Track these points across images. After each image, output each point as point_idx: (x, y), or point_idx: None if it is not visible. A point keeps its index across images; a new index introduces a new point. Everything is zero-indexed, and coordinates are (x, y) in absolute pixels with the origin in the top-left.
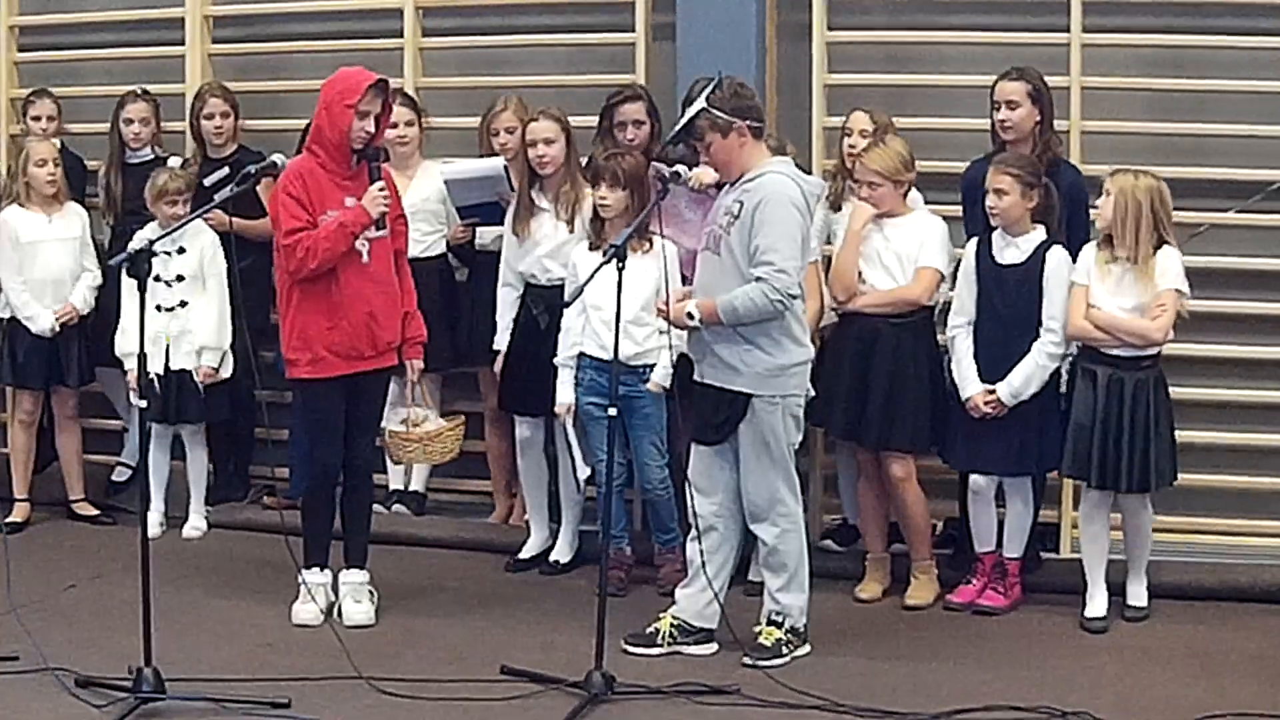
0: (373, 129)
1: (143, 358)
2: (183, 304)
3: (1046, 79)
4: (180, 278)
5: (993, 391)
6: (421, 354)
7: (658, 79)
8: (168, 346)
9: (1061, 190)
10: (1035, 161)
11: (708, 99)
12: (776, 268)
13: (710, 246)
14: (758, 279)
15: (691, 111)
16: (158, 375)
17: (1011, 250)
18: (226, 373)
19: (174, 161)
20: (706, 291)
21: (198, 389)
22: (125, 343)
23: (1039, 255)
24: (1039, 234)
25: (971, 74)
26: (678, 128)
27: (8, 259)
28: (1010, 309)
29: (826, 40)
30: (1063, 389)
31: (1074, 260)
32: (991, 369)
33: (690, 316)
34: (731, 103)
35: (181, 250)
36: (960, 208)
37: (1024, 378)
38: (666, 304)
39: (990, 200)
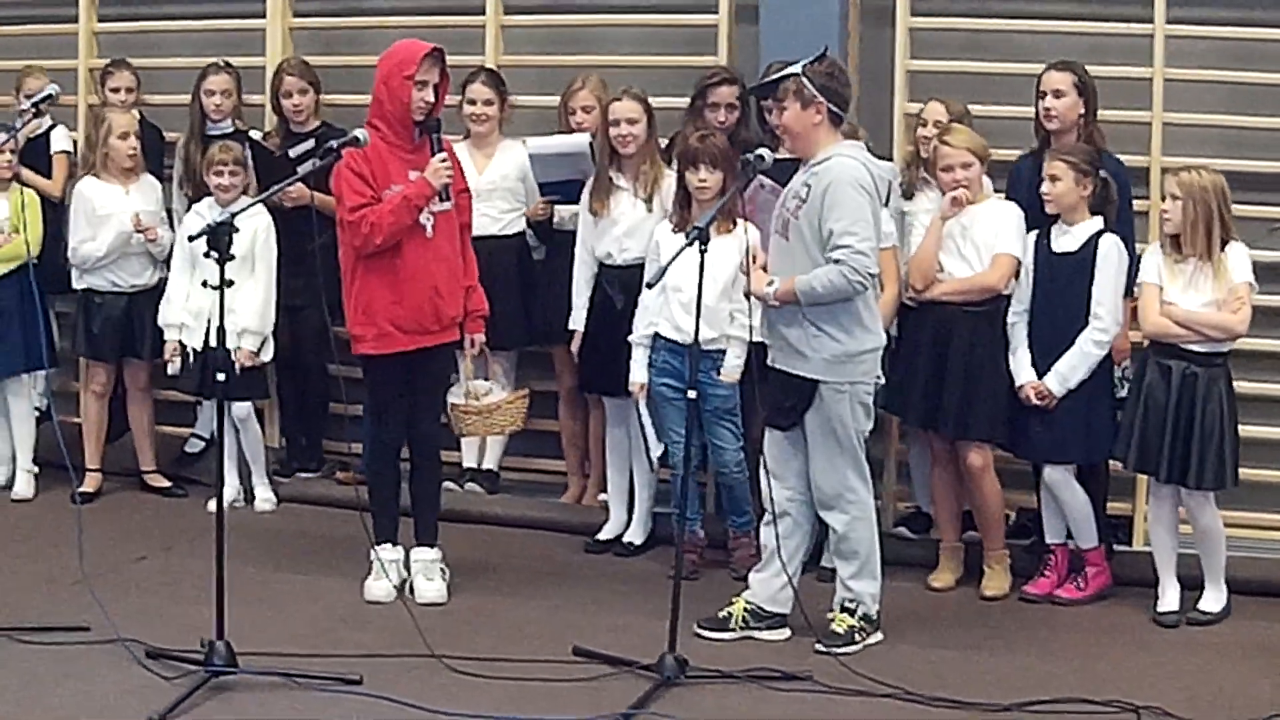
0: (432, 98)
1: (221, 331)
2: (229, 283)
3: (1129, 70)
4: (231, 256)
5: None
6: (483, 328)
7: (739, 61)
8: (209, 324)
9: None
10: (1092, 151)
11: (804, 66)
12: (854, 249)
13: (779, 230)
14: (835, 261)
15: (785, 71)
16: (195, 350)
17: (1066, 238)
18: (266, 357)
19: (254, 135)
20: (776, 275)
21: (234, 368)
22: (169, 313)
23: (1092, 243)
24: (1095, 223)
25: None
26: (766, 80)
27: (82, 230)
28: (1063, 297)
29: (909, 26)
30: (1118, 380)
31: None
32: (1045, 357)
33: (770, 286)
34: (822, 80)
35: (235, 229)
36: None
37: (1070, 366)
38: (748, 272)
39: (1045, 187)
